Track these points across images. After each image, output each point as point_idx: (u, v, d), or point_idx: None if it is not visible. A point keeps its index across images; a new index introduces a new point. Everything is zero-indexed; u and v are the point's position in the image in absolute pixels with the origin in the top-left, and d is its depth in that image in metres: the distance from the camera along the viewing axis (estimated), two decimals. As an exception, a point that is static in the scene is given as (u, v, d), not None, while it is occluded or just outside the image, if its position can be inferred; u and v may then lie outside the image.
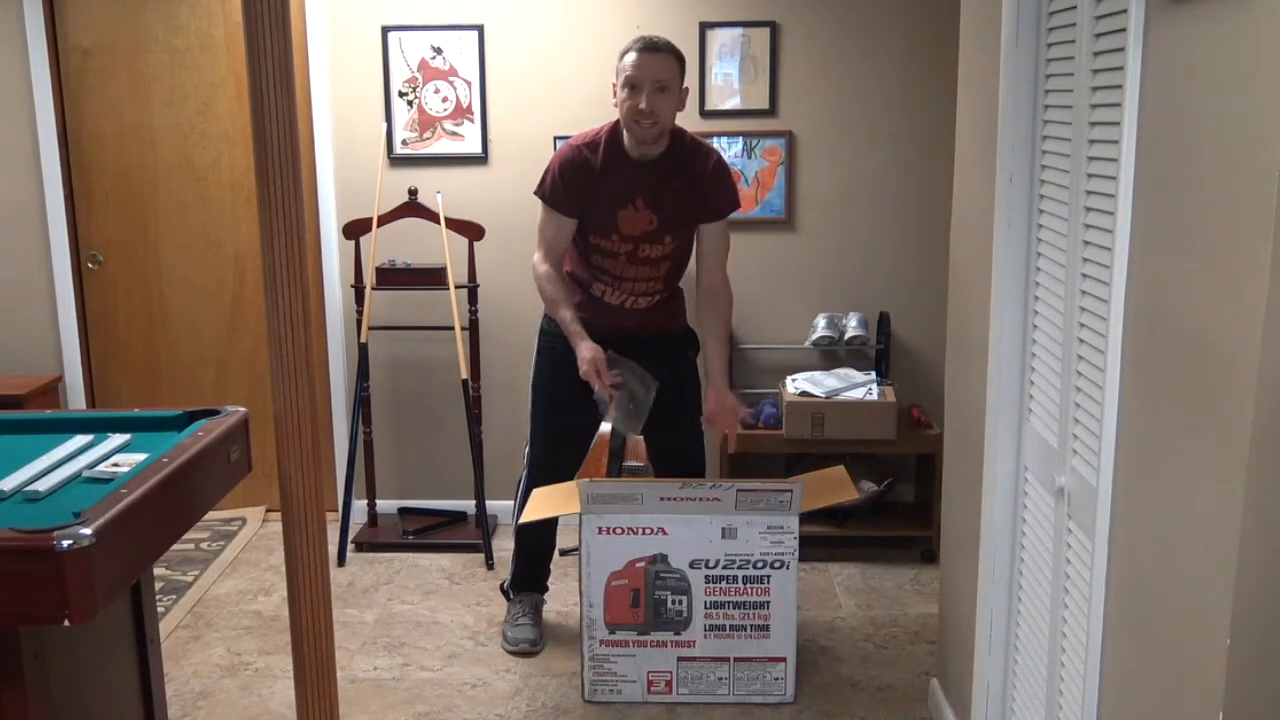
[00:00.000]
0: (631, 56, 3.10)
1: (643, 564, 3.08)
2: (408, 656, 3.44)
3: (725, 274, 3.33)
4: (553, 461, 3.38)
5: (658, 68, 3.08)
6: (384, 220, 4.12)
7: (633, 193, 3.17)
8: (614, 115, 3.20)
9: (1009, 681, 2.52)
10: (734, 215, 3.36)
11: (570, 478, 3.25)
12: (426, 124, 4.28)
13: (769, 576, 3.08)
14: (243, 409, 2.46)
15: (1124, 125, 1.72)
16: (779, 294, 4.30)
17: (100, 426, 2.41)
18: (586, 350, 3.13)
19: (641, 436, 3.48)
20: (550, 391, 3.39)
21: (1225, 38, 1.42)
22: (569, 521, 3.35)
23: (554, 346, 3.32)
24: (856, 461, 4.01)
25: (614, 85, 3.15)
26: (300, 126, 2.09)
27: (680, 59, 3.16)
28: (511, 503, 4.11)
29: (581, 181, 3.19)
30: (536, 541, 3.53)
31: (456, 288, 4.11)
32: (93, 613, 1.70)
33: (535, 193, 3.27)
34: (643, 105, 3.06)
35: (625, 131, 3.17)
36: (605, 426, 3.38)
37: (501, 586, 3.69)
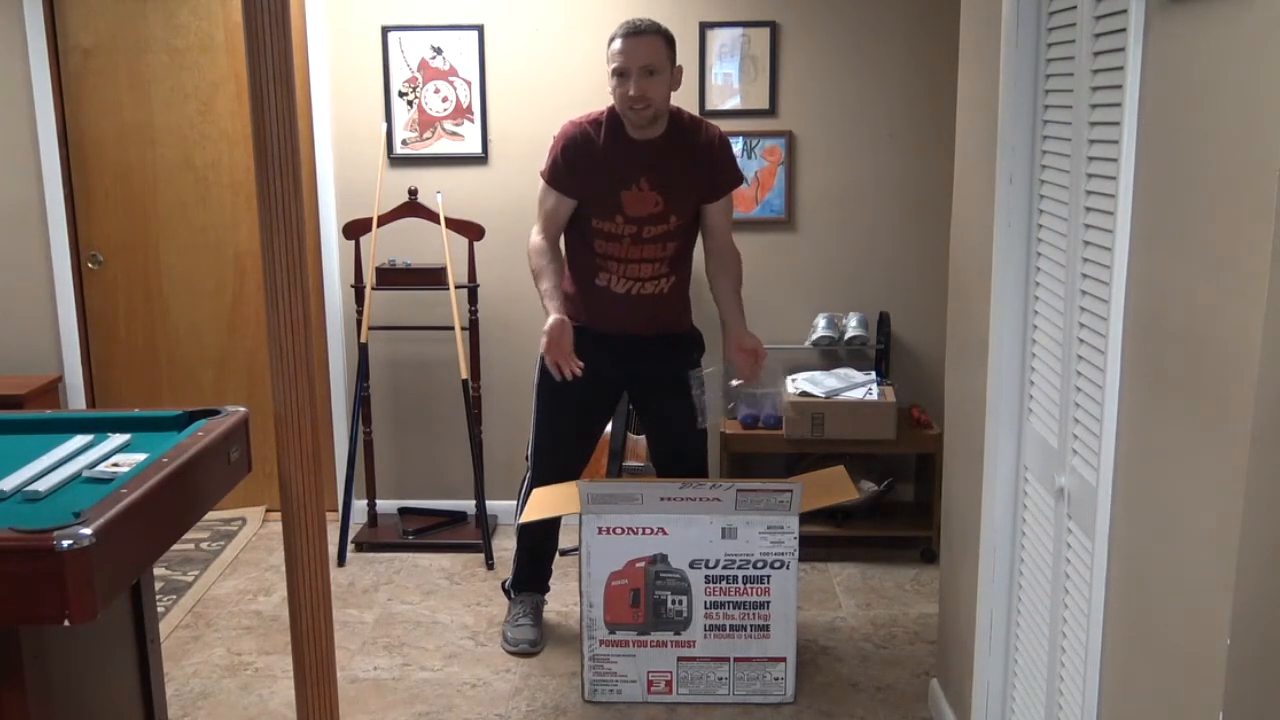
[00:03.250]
0: (617, 44, 3.09)
1: (643, 564, 3.08)
2: (408, 656, 3.44)
3: (732, 240, 3.33)
4: (556, 466, 3.37)
5: (644, 52, 3.07)
6: (384, 220, 4.12)
7: (636, 173, 3.16)
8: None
9: (1009, 681, 2.52)
10: (735, 216, 3.34)
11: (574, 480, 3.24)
12: (426, 124, 4.28)
13: (769, 576, 3.08)
14: (243, 409, 2.46)
15: (1124, 125, 1.72)
16: (779, 294, 4.30)
17: (100, 426, 2.41)
18: (554, 316, 3.05)
19: (642, 436, 3.47)
20: (554, 396, 3.36)
21: (1225, 38, 1.42)
22: (569, 521, 3.35)
23: None
24: (856, 461, 4.01)
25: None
26: (300, 126, 2.10)
27: (668, 39, 3.14)
28: (512, 503, 4.12)
29: (584, 159, 3.18)
30: (538, 542, 3.53)
31: (456, 288, 4.11)
32: (93, 613, 1.70)
33: (540, 173, 3.26)
34: (632, 91, 3.05)
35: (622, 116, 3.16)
36: (607, 428, 3.36)
37: (503, 586, 3.68)
